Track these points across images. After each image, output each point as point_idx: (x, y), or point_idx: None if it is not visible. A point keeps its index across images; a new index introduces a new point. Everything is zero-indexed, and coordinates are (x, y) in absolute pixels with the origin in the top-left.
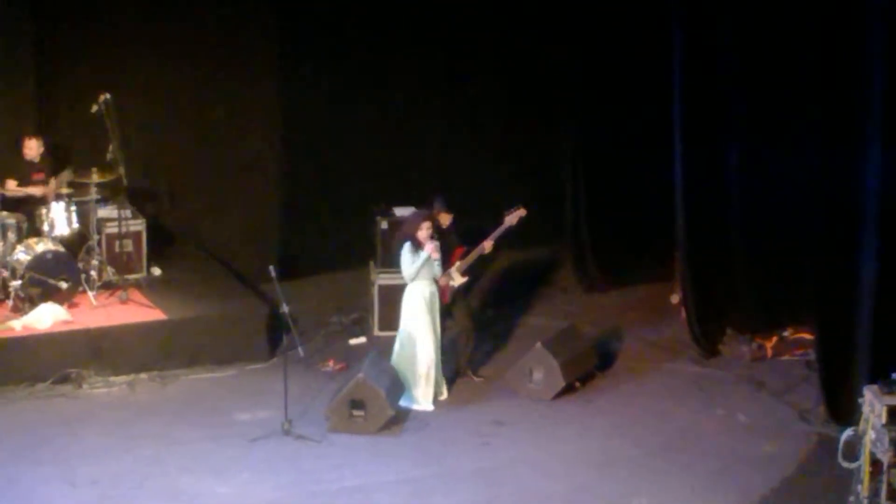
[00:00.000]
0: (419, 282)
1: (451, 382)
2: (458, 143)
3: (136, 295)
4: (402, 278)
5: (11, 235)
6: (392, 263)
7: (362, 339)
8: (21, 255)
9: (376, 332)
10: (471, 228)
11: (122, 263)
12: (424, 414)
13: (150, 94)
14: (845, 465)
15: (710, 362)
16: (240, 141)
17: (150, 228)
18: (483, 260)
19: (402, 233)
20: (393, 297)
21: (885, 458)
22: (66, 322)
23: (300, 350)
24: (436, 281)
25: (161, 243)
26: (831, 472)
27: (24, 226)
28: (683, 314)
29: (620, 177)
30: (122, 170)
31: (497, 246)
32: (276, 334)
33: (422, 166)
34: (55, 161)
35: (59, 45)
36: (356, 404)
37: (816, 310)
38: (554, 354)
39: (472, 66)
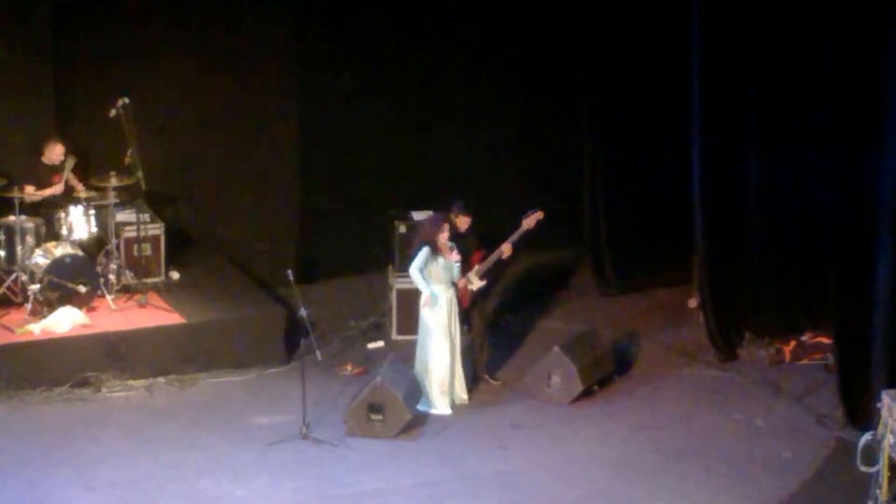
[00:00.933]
0: (437, 286)
1: (469, 386)
2: (477, 147)
3: (154, 299)
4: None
5: (30, 239)
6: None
7: (380, 344)
8: (40, 259)
9: (394, 336)
10: (488, 232)
11: (140, 267)
12: (442, 418)
13: (167, 98)
14: (864, 469)
15: (728, 366)
16: (258, 144)
17: (169, 232)
18: (501, 263)
19: (421, 237)
20: (411, 300)
21: None
22: (84, 326)
23: (318, 354)
24: (454, 284)
25: (179, 247)
26: (849, 477)
27: (43, 230)
28: (701, 318)
29: (638, 180)
30: (140, 174)
31: (515, 249)
32: (294, 338)
33: (440, 170)
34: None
35: (77, 50)
36: (374, 408)
37: (835, 314)
38: (572, 358)
39: (490, 68)
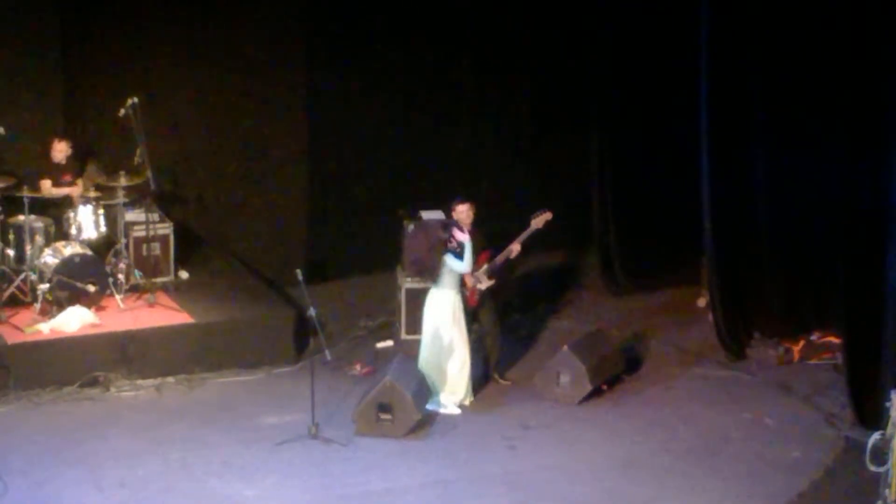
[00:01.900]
0: (444, 289)
1: (478, 386)
2: (485, 147)
3: (163, 298)
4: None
5: (39, 239)
6: None
7: (389, 343)
8: (49, 259)
9: (403, 336)
10: (497, 231)
11: (149, 267)
12: (451, 418)
13: (177, 98)
14: (873, 468)
15: (737, 366)
16: (267, 144)
17: (178, 232)
18: (510, 263)
19: (425, 248)
20: (420, 300)
21: None
22: (93, 325)
23: (327, 354)
24: (463, 284)
25: (188, 247)
26: (859, 476)
27: (52, 229)
28: (710, 318)
29: (647, 180)
30: (149, 173)
31: (524, 249)
32: (303, 338)
33: (449, 170)
34: (82, 164)
35: (86, 50)
36: (383, 408)
37: (844, 314)
38: (581, 358)
39: (499, 69)
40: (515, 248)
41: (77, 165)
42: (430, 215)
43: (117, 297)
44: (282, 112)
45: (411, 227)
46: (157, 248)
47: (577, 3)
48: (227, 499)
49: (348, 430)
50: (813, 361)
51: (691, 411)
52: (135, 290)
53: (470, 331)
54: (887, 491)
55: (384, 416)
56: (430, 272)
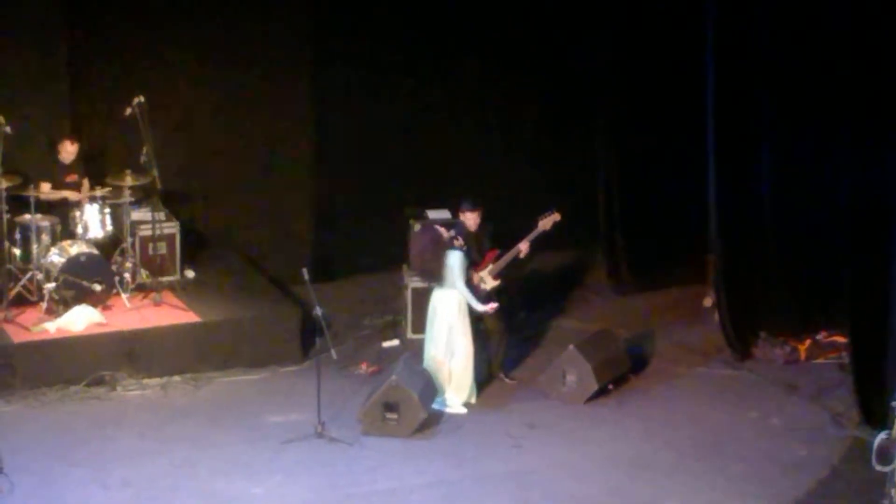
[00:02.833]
0: (448, 288)
1: (483, 385)
2: (492, 146)
3: (169, 297)
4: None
5: (45, 238)
6: None
7: (395, 342)
8: (55, 258)
9: (409, 335)
10: (503, 232)
11: (155, 266)
12: (457, 417)
13: (183, 97)
14: (879, 468)
15: (743, 365)
16: (274, 143)
17: (184, 231)
18: (516, 263)
19: (429, 251)
20: (426, 299)
21: None
22: (99, 324)
23: (333, 353)
24: (469, 284)
25: (194, 246)
26: (865, 476)
27: (58, 228)
28: (716, 317)
29: (653, 179)
30: (155, 172)
31: (531, 250)
32: (309, 337)
33: (455, 170)
34: (88, 164)
35: (92, 49)
36: (389, 407)
37: (850, 313)
38: (587, 357)
39: (506, 68)
40: (522, 248)
41: (83, 166)
42: (437, 214)
43: (123, 296)
44: (288, 111)
45: (417, 228)
46: (163, 248)
47: (583, 3)
48: (232, 498)
49: (354, 429)
50: (819, 361)
51: (697, 410)
52: (141, 289)
53: (475, 329)
54: (893, 490)
55: (390, 416)
56: (433, 273)
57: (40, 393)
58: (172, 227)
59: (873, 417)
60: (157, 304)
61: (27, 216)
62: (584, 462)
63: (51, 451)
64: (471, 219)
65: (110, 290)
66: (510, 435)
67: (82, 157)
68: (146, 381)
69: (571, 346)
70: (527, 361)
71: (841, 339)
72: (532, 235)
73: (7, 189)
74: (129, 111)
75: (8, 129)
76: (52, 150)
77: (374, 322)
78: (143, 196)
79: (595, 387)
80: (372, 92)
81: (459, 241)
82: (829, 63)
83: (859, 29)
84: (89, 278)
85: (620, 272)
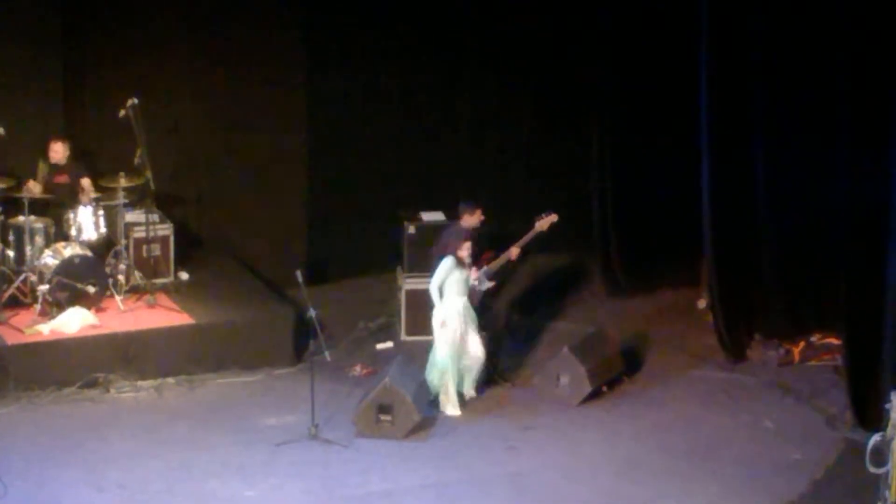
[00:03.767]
0: (455, 297)
1: (479, 386)
2: (486, 149)
3: (163, 299)
4: (429, 282)
5: (39, 240)
6: (419, 268)
7: (389, 344)
8: (49, 260)
9: (403, 337)
10: (498, 234)
11: (149, 268)
12: (452, 419)
13: (177, 99)
14: (873, 470)
15: (737, 367)
16: (267, 145)
17: (178, 233)
18: (511, 265)
19: (443, 248)
20: (420, 301)
21: None
22: (93, 326)
23: (327, 355)
24: (471, 292)
25: (188, 248)
26: (859, 478)
27: (52, 230)
28: (710, 319)
29: (647, 181)
30: (149, 174)
31: (525, 251)
32: (303, 339)
33: (449, 171)
34: (80, 165)
35: (86, 50)
36: (383, 409)
37: (844, 315)
38: (581, 360)
39: (500, 71)
40: (514, 251)
41: (75, 166)
42: (431, 217)
43: (117, 298)
44: (282, 113)
45: (412, 230)
46: (157, 249)
47: (578, 6)
48: (227, 500)
49: (348, 431)
50: (813, 363)
51: (691, 413)
52: (135, 291)
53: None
54: (887, 492)
55: (384, 418)
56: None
57: (34, 395)
58: (166, 229)
59: (867, 419)
60: (151, 305)
61: (21, 218)
62: (578, 464)
63: (44, 453)
64: (469, 220)
65: (104, 291)
66: (504, 437)
67: (74, 158)
68: (140, 383)
69: (565, 349)
70: (521, 363)
71: (835, 341)
72: (528, 237)
73: (0, 191)
74: (123, 113)
75: (1, 130)
76: (45, 151)
77: (367, 324)
78: (137, 198)
79: (589, 389)
80: (366, 94)
81: (476, 273)
82: (824, 64)
83: (853, 31)
84: (83, 280)
85: (614, 274)
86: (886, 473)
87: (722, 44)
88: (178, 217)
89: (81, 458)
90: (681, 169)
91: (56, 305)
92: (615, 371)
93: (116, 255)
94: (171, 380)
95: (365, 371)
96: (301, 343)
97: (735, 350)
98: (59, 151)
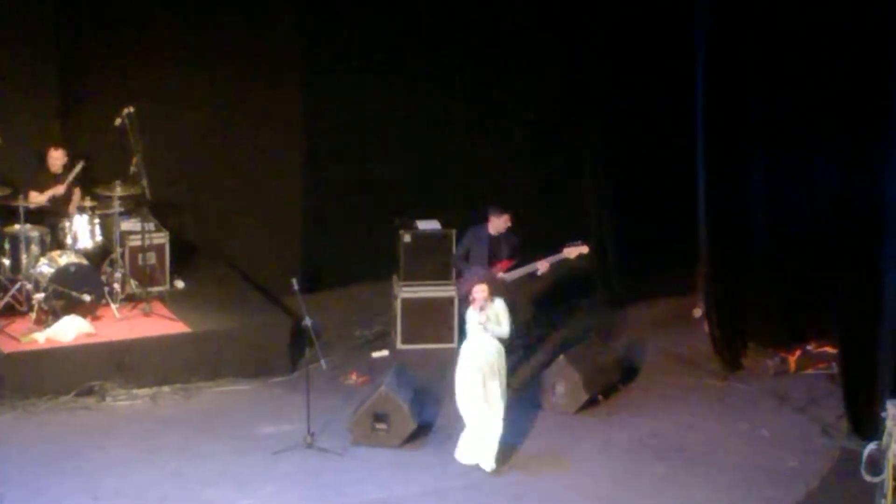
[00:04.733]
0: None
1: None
2: (482, 157)
3: (159, 308)
4: (424, 291)
5: (35, 248)
6: (415, 277)
7: (385, 353)
8: (44, 268)
9: (399, 346)
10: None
11: (145, 276)
12: (448, 427)
13: (173, 108)
14: (868, 479)
15: (732, 376)
16: (263, 154)
17: (174, 241)
18: (531, 279)
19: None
20: (416, 310)
21: None
22: (89, 335)
23: (323, 363)
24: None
25: (184, 256)
26: (854, 487)
27: (48, 238)
28: (706, 327)
29: (644, 189)
30: (145, 183)
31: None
32: (298, 347)
33: (445, 179)
34: (78, 174)
35: (82, 58)
36: (379, 417)
37: (840, 324)
38: (577, 368)
39: (498, 78)
40: (541, 267)
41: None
42: (426, 225)
43: (113, 306)
44: (278, 121)
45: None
46: (152, 258)
47: (575, 7)
48: None
49: (344, 439)
50: (809, 371)
51: (687, 421)
52: (130, 299)
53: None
54: (883, 501)
55: (380, 426)
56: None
57: (29, 403)
58: (162, 238)
59: (863, 428)
60: (146, 314)
61: (17, 226)
62: (574, 472)
63: (40, 461)
64: (495, 223)
65: (100, 300)
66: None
67: (72, 166)
68: (136, 391)
69: (561, 357)
70: (517, 371)
71: (831, 350)
72: (555, 259)
73: None
74: (118, 121)
75: None
76: (42, 159)
77: (363, 333)
78: (132, 206)
79: (585, 397)
80: (362, 100)
81: (483, 318)
82: (820, 71)
83: (851, 30)
84: (79, 289)
85: (611, 282)
86: (882, 482)
87: (717, 52)
88: (174, 225)
89: (77, 465)
90: (677, 176)
91: (52, 314)
92: (611, 379)
93: (112, 264)
94: (166, 388)
95: (361, 379)
96: (297, 351)
97: (731, 359)
98: (57, 159)
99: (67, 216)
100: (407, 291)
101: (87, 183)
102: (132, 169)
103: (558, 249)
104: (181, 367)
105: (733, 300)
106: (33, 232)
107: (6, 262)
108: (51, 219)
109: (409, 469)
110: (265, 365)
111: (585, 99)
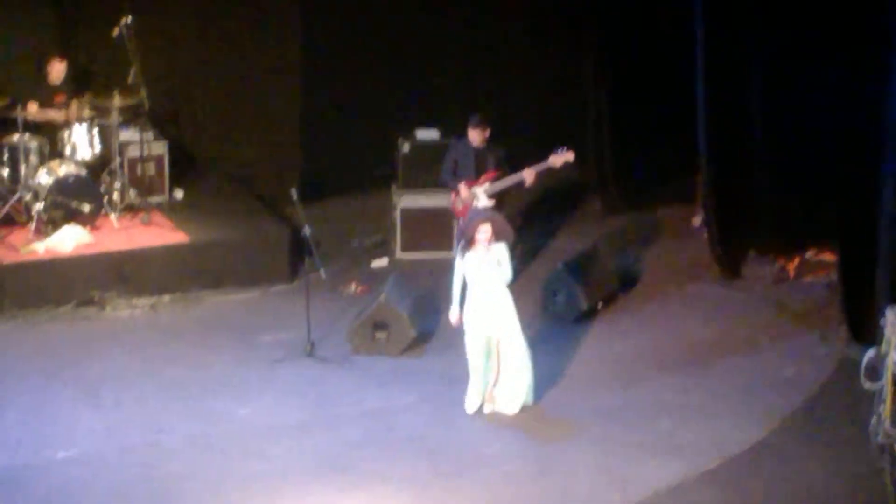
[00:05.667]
0: (474, 287)
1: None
2: (482, 67)
3: (158, 217)
4: (424, 200)
5: (34, 158)
6: (414, 185)
7: (384, 262)
8: (43, 179)
9: (398, 255)
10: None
11: (144, 186)
12: (447, 336)
13: (170, 17)
14: (867, 386)
15: (732, 284)
16: (262, 63)
17: (172, 151)
18: (518, 190)
19: (461, 233)
20: (415, 219)
21: None
22: (88, 245)
23: (322, 273)
24: (456, 193)
25: (183, 166)
26: (853, 394)
27: (46, 149)
28: (705, 236)
29: (643, 99)
30: (143, 93)
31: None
32: (298, 257)
33: (444, 89)
34: (77, 84)
35: None
36: (379, 326)
37: (839, 231)
38: (576, 277)
39: None
40: (527, 177)
41: (72, 86)
42: (426, 134)
43: (112, 216)
44: (276, 30)
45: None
46: (151, 168)
47: None
48: (222, 417)
49: (344, 348)
50: (808, 279)
51: (686, 329)
52: (129, 209)
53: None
54: (882, 407)
55: (380, 335)
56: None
57: (30, 314)
58: (161, 148)
59: (861, 335)
60: (145, 224)
61: (15, 136)
62: (574, 381)
63: (41, 371)
64: (476, 135)
65: (99, 210)
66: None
67: (72, 78)
68: (136, 301)
69: (560, 266)
70: (515, 280)
71: (830, 258)
72: (540, 167)
73: None
74: (116, 32)
75: None
76: (41, 70)
77: (363, 242)
78: (131, 116)
79: (584, 306)
80: (361, 8)
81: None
82: None
83: None
84: (78, 199)
85: (609, 191)
86: (881, 389)
87: None
88: (173, 135)
89: (77, 376)
90: (677, 84)
91: (51, 224)
92: (610, 288)
93: (111, 174)
94: (166, 298)
95: (360, 289)
96: (296, 261)
97: (730, 266)
98: (58, 70)
99: (67, 126)
100: (406, 200)
101: (88, 93)
102: (130, 79)
103: (544, 158)
104: (181, 277)
105: (732, 208)
106: (32, 142)
107: (5, 172)
108: (50, 129)
109: (409, 378)
110: (265, 274)
111: (585, 11)
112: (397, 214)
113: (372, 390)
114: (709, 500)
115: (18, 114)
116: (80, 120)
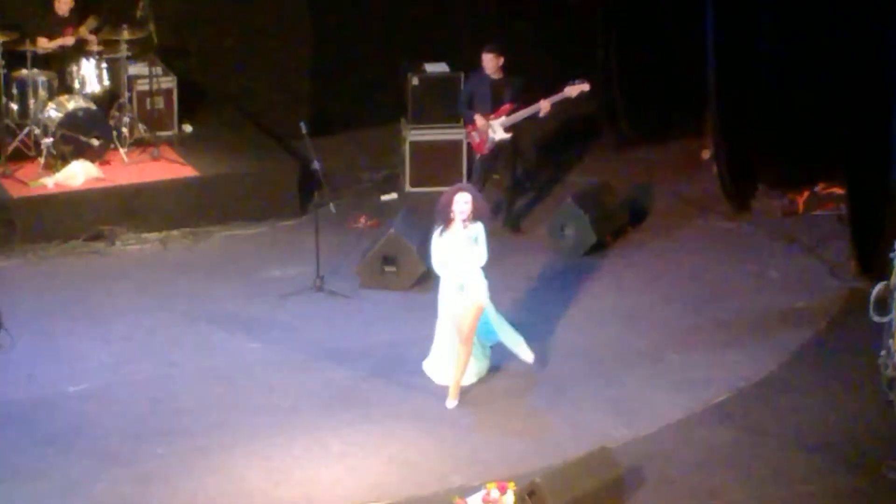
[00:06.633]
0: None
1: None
2: (491, 3)
3: (167, 152)
4: (433, 134)
5: (43, 93)
6: (423, 119)
7: (394, 196)
8: (53, 113)
9: (407, 189)
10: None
11: (153, 121)
12: None
13: None
14: (876, 319)
15: (741, 218)
16: None
17: (181, 85)
18: (534, 121)
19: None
20: (424, 153)
21: None
22: (97, 179)
23: (332, 207)
24: (473, 127)
25: (192, 100)
26: (862, 327)
27: (55, 83)
28: (715, 169)
29: (652, 33)
30: (152, 26)
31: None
32: (307, 191)
33: (452, 23)
34: (84, 17)
35: None
36: (388, 260)
37: (848, 164)
38: (585, 210)
39: None
40: (544, 106)
41: (79, 19)
42: (434, 68)
43: (121, 150)
44: None
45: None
46: (160, 102)
47: None
48: (232, 351)
49: (353, 282)
50: (817, 212)
51: (695, 263)
52: (139, 143)
53: (483, 183)
54: (891, 341)
55: (389, 269)
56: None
57: (39, 248)
58: (170, 82)
59: (871, 268)
60: (154, 158)
61: (24, 71)
62: (582, 314)
63: (50, 306)
64: (489, 62)
65: (108, 145)
66: (509, 287)
67: (79, 10)
68: (145, 235)
69: (569, 199)
70: (526, 215)
71: (839, 191)
72: (556, 98)
73: (3, 44)
74: None
75: None
76: (48, 3)
77: (372, 176)
78: (139, 51)
79: (594, 239)
80: None
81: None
82: None
83: None
84: (87, 133)
85: (619, 125)
86: (890, 322)
87: None
88: (182, 69)
89: (87, 310)
90: (685, 18)
91: (60, 159)
92: (620, 221)
93: (120, 108)
94: (175, 232)
95: (369, 223)
96: (305, 195)
97: (739, 200)
98: (65, 3)
99: (75, 61)
100: (415, 134)
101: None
102: (139, 13)
103: (559, 89)
104: (190, 212)
105: (742, 142)
106: (41, 77)
107: (14, 106)
108: (58, 63)
109: (418, 311)
110: (274, 209)
111: None
112: (406, 149)
113: (381, 324)
114: (718, 433)
115: (27, 48)
116: (88, 55)
